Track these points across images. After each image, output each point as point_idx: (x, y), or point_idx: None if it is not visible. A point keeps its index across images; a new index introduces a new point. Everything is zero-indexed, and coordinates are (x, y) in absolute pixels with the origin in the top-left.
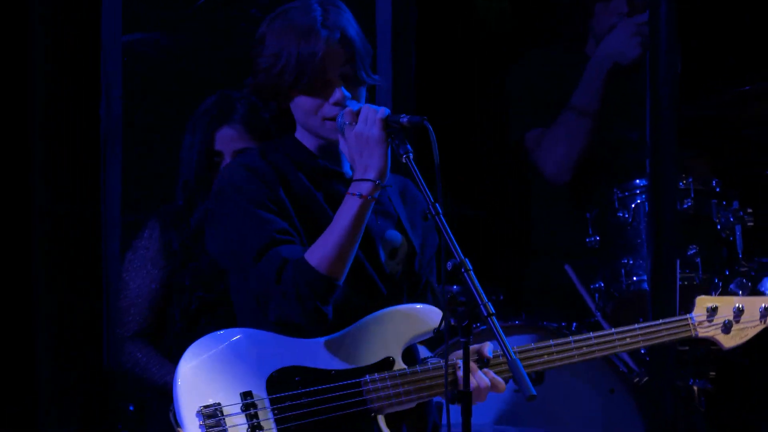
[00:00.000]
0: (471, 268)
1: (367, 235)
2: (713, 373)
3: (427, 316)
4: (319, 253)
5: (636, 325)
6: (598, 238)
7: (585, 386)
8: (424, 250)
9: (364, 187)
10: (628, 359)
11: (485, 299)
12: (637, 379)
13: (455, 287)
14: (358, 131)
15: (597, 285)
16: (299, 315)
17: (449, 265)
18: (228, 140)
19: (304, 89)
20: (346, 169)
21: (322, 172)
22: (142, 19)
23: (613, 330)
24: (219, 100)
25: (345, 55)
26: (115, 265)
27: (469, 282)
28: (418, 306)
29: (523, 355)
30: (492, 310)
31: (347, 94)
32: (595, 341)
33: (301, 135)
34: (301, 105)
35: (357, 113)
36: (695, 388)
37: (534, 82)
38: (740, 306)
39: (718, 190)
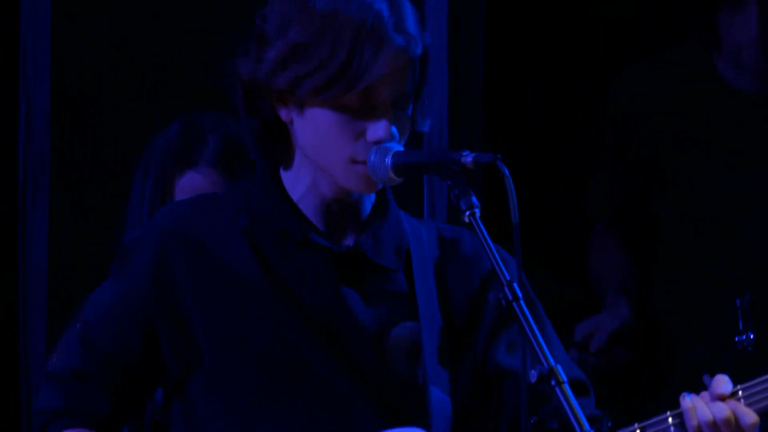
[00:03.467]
0: (565, 379)
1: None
2: None
3: None
4: None
5: (738, 386)
6: (752, 336)
7: None
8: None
9: None
10: None
11: (586, 426)
12: None
13: None
14: None
15: None
16: None
17: (533, 375)
18: (194, 192)
19: (332, 103)
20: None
21: (340, 261)
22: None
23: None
24: (183, 130)
25: (405, 78)
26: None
27: (563, 400)
28: None
29: None
30: None
31: (396, 133)
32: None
33: (297, 175)
34: (322, 120)
35: None
36: None
37: (648, 99)
38: None
39: None
